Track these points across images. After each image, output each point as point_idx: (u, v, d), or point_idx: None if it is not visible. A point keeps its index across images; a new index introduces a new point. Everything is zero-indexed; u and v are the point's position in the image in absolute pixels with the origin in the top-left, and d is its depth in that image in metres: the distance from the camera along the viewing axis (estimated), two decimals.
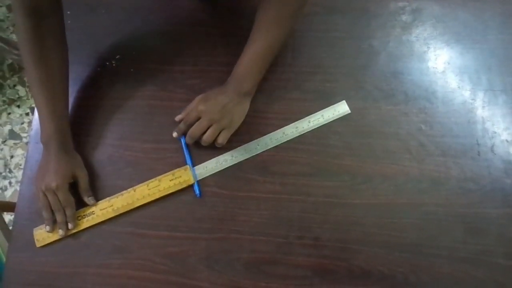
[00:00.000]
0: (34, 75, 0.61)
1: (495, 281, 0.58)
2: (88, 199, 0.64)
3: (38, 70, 0.61)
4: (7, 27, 1.61)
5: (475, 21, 0.72)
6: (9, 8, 1.63)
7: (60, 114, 0.63)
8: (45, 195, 0.62)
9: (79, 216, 0.63)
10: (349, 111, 0.67)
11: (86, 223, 0.63)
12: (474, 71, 0.69)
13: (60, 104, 0.64)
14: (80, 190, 0.64)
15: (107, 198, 0.64)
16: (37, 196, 0.63)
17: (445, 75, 0.69)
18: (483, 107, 0.66)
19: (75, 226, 0.63)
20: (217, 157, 0.66)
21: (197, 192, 0.64)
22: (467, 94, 0.67)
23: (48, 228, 0.62)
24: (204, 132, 0.63)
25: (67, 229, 0.62)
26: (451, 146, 0.65)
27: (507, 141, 0.64)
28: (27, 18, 0.58)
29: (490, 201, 0.62)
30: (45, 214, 0.62)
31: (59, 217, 0.62)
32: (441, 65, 0.69)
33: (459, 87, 0.68)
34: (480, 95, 0.67)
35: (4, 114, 1.51)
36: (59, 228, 0.62)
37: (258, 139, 0.66)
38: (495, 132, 0.65)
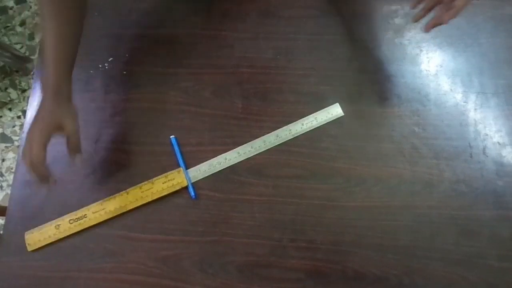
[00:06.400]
0: (49, 26, 0.56)
1: (488, 283, 0.59)
2: (76, 157, 0.58)
3: (55, 21, 0.56)
4: None
5: (467, 25, 0.72)
6: (1, 10, 1.62)
7: (65, 69, 0.58)
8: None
9: (71, 219, 0.63)
10: (343, 114, 0.67)
11: (78, 226, 0.62)
12: (466, 74, 0.69)
13: (67, 59, 0.59)
14: (68, 146, 0.57)
15: (100, 201, 0.64)
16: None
17: (437, 78, 0.69)
18: (475, 109, 0.67)
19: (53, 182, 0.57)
20: (210, 160, 0.65)
21: (192, 193, 0.63)
22: (459, 96, 0.68)
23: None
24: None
25: (48, 183, 0.56)
26: (443, 148, 0.65)
27: (499, 143, 0.65)
28: None
29: (483, 203, 0.62)
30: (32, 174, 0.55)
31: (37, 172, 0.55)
32: (433, 68, 0.70)
33: (451, 89, 0.68)
34: (472, 97, 0.68)
35: None
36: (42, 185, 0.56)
37: (252, 141, 0.66)
38: (487, 135, 0.65)
